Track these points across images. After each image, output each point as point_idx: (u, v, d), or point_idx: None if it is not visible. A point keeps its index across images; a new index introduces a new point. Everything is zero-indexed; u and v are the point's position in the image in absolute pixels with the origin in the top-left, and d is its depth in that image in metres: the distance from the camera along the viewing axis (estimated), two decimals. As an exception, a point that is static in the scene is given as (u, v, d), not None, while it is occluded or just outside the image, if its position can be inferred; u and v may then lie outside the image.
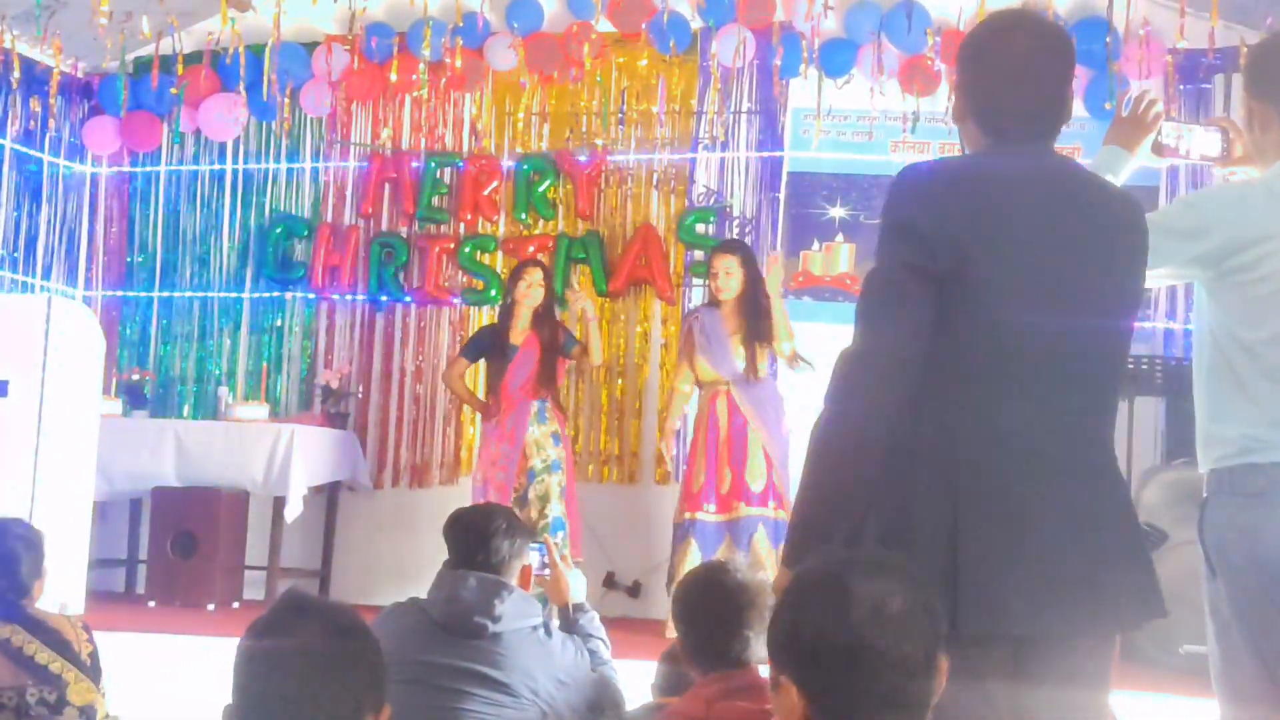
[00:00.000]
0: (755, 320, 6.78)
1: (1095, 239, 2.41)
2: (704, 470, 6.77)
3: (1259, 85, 2.94)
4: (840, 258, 8.01)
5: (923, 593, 1.98)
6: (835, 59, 7.93)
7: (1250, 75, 2.99)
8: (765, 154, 8.16)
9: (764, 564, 6.51)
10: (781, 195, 8.12)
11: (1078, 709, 2.35)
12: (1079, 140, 7.55)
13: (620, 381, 8.23)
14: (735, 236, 7.89)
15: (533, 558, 3.81)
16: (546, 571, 3.93)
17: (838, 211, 8.03)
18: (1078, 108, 7.54)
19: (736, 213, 8.14)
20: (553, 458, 7.03)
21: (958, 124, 2.56)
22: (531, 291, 7.10)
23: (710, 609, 3.03)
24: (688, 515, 6.76)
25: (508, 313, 7.21)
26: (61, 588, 6.43)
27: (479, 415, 7.63)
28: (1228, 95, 7.37)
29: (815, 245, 8.04)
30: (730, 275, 6.83)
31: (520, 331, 7.11)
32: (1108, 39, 7.49)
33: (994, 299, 2.30)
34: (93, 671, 3.71)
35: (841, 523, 2.29)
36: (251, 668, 1.97)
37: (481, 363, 7.51)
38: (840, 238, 8.03)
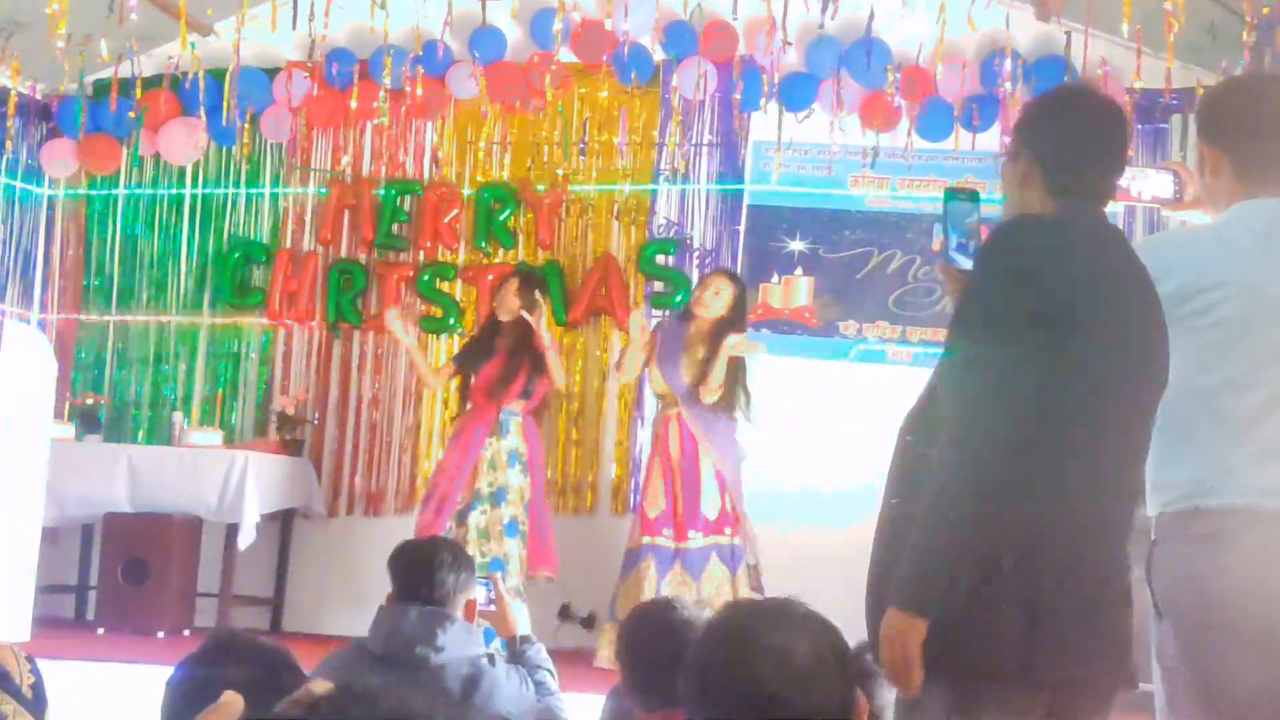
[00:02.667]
0: (717, 347, 6.78)
1: (1154, 302, 2.53)
2: (662, 496, 6.76)
3: (1211, 131, 2.96)
4: (799, 291, 8.03)
5: (831, 637, 1.99)
6: (796, 93, 7.97)
7: (1203, 121, 3.01)
8: (726, 186, 8.18)
9: (723, 592, 6.51)
10: (741, 228, 8.13)
11: None
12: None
13: (578, 411, 8.21)
14: (695, 268, 7.93)
15: (478, 592, 3.79)
16: (491, 605, 3.91)
17: (797, 245, 8.05)
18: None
19: (697, 244, 8.15)
20: (500, 484, 6.94)
21: (1016, 182, 2.62)
22: (506, 299, 7.09)
23: (656, 647, 3.02)
24: (645, 540, 6.74)
25: (491, 324, 7.20)
26: (9, 614, 6.38)
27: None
28: (1184, 135, 7.43)
29: (774, 278, 8.06)
30: (719, 295, 6.84)
31: (503, 336, 7.13)
32: (1066, 77, 7.55)
33: (1096, 354, 2.38)
34: (34, 705, 3.65)
35: (969, 566, 2.30)
36: (178, 701, 1.95)
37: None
38: (799, 271, 8.04)
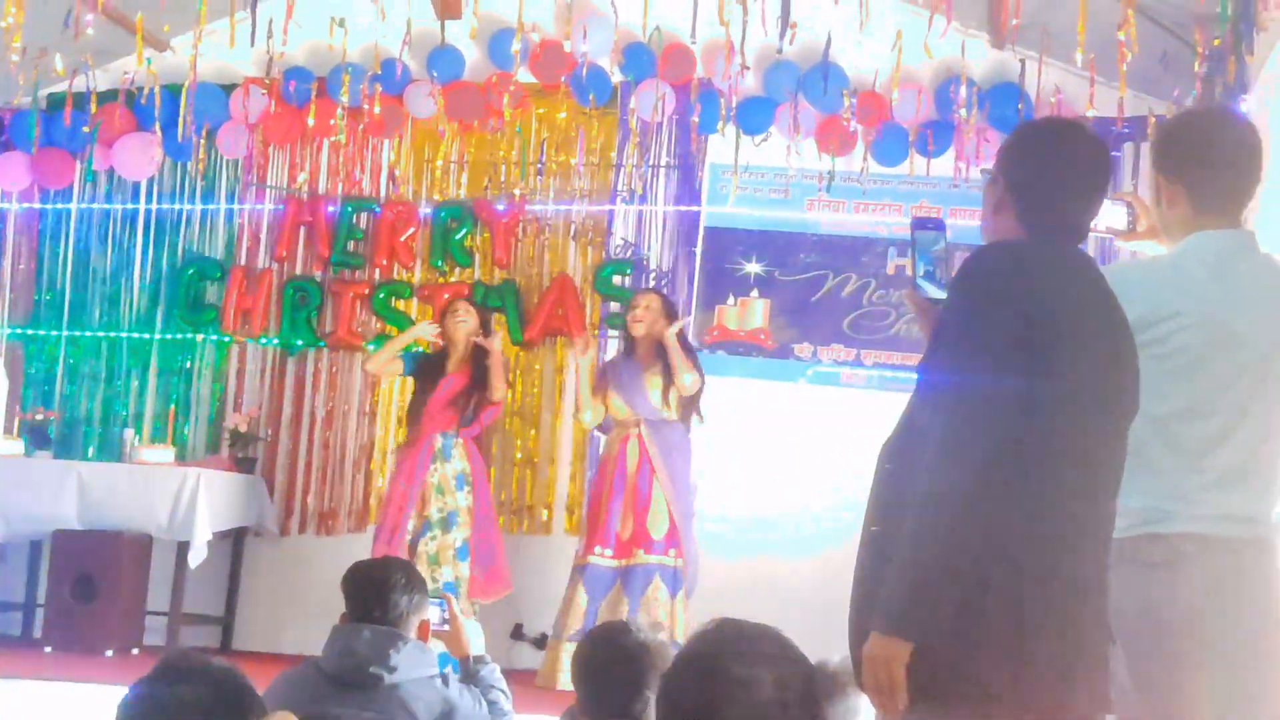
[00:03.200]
0: (665, 367, 6.82)
1: (1125, 329, 2.56)
2: (605, 511, 6.77)
3: (1167, 163, 3.01)
4: (755, 313, 8.06)
5: (799, 669, 1.99)
6: (753, 117, 8.01)
7: (1158, 153, 3.06)
8: (682, 208, 8.21)
9: (659, 615, 6.52)
10: (698, 249, 8.16)
11: None
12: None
13: (533, 431, 8.20)
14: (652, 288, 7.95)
15: (432, 612, 3.78)
16: (445, 626, 3.90)
17: (753, 267, 8.09)
18: (990, 171, 7.65)
19: (653, 265, 8.17)
20: (450, 508, 6.98)
21: (991, 207, 2.65)
22: (460, 321, 7.11)
23: (610, 669, 3.02)
24: (589, 559, 6.77)
25: (439, 356, 7.24)
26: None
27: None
28: (1136, 164, 7.51)
29: (730, 300, 8.09)
30: (648, 310, 6.87)
31: (456, 362, 7.15)
32: (1020, 105, 7.63)
33: (1074, 380, 2.41)
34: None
35: (953, 590, 2.31)
36: (130, 723, 1.94)
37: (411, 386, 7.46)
38: (755, 293, 8.08)
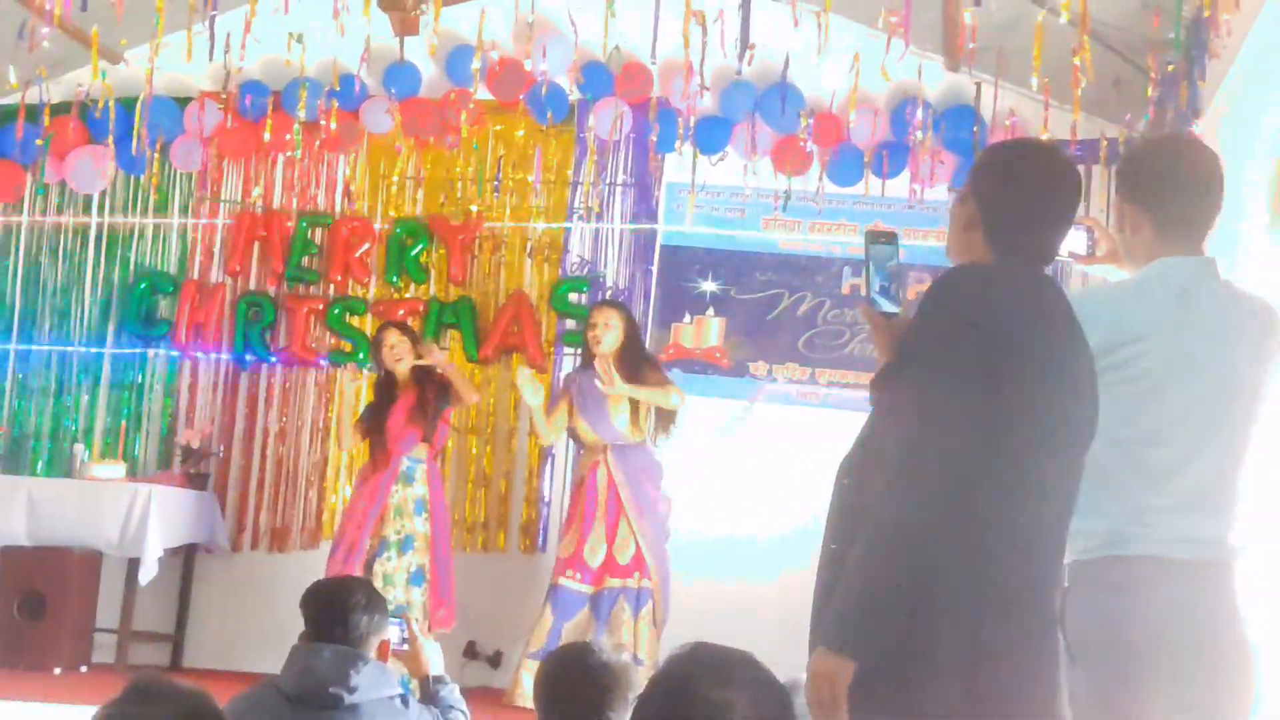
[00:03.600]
0: (633, 376, 6.79)
1: (1086, 353, 2.58)
2: (577, 539, 6.75)
3: (1131, 189, 3.03)
4: (711, 331, 8.08)
5: (774, 694, 2.00)
6: (710, 136, 8.04)
7: (1123, 178, 3.09)
8: (639, 226, 8.22)
9: (622, 635, 6.51)
10: (654, 268, 8.17)
11: None
12: (943, 224, 7.72)
13: (489, 449, 8.18)
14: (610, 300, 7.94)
15: (391, 632, 3.76)
16: (405, 645, 3.88)
17: (709, 285, 8.11)
18: (943, 192, 7.72)
19: (610, 283, 8.17)
20: (408, 531, 6.96)
21: (960, 226, 2.66)
22: (395, 353, 7.11)
23: (573, 690, 3.02)
24: (559, 580, 6.74)
25: (387, 379, 7.21)
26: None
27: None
28: (1088, 186, 7.57)
29: (686, 318, 8.10)
30: (609, 328, 6.85)
31: (402, 386, 7.14)
32: (975, 127, 7.69)
33: (1034, 403, 2.43)
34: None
35: (900, 607, 2.32)
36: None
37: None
38: (711, 311, 8.10)
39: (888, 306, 2.64)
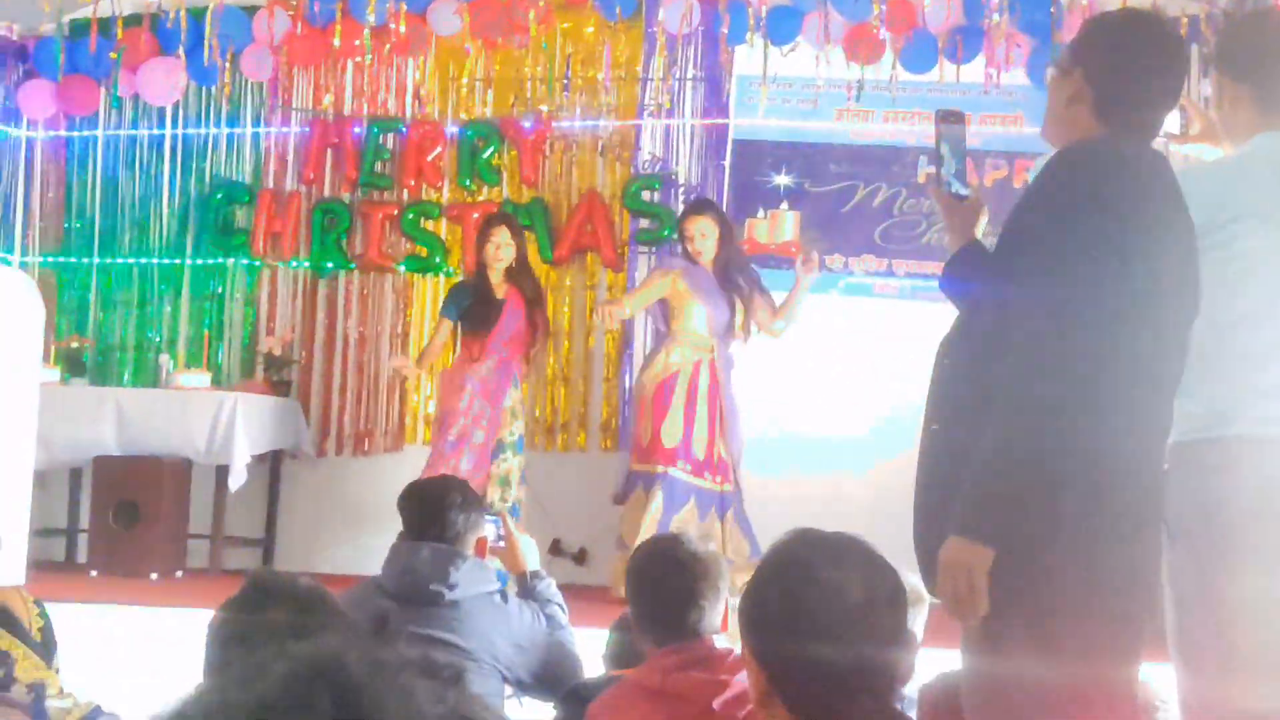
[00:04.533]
0: (732, 282, 6.78)
1: (1192, 232, 2.53)
2: (682, 427, 6.70)
3: (1231, 64, 2.97)
4: (786, 225, 8.03)
5: (888, 579, 2.00)
6: (781, 26, 7.92)
7: (1222, 54, 3.02)
8: (710, 121, 8.15)
9: (715, 532, 6.54)
10: (726, 163, 8.12)
11: None
12: (1020, 109, 7.61)
13: (566, 348, 8.22)
14: (681, 204, 7.89)
15: (488, 530, 3.81)
16: (501, 543, 3.93)
17: (782, 179, 8.04)
18: (1020, 76, 7.59)
19: (682, 180, 8.13)
20: (518, 434, 7.04)
21: (1063, 100, 2.58)
22: (501, 253, 7.05)
23: (664, 581, 3.04)
24: (661, 468, 6.65)
25: (482, 275, 7.12)
26: (4, 558, 6.37)
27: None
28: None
29: (760, 213, 8.05)
30: (705, 237, 6.81)
31: (500, 287, 7.07)
32: (1052, 9, 7.53)
33: (1157, 282, 2.40)
34: (43, 647, 3.67)
35: (1039, 497, 2.31)
36: (222, 647, 1.96)
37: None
38: (785, 205, 8.04)
39: (960, 189, 2.60)
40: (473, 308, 7.09)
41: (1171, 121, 3.10)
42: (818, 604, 1.94)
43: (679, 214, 7.40)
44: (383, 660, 0.66)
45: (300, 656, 0.66)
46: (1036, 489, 2.30)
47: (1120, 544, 2.36)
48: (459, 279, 7.87)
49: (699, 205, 7.17)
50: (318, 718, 0.61)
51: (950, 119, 2.62)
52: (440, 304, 7.63)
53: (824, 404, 7.68)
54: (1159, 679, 2.88)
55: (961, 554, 2.29)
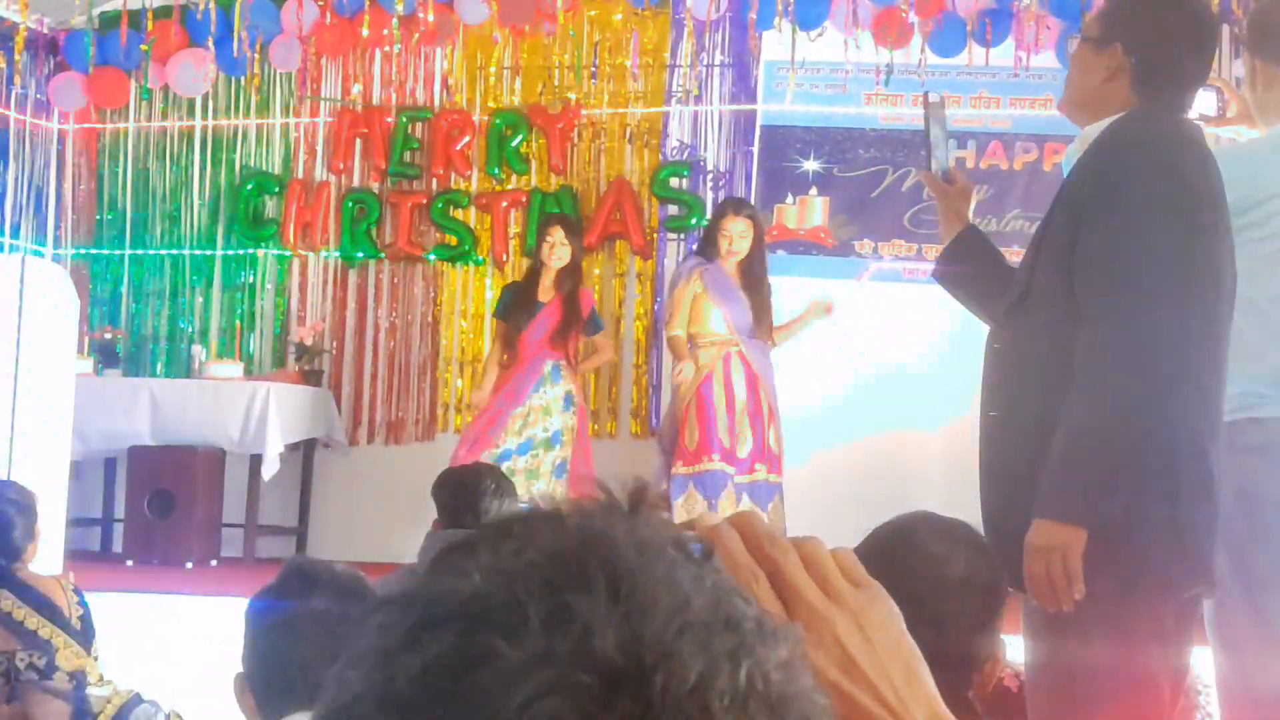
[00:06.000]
0: (752, 285, 6.79)
1: (1227, 209, 2.52)
2: (726, 429, 6.67)
3: (1263, 45, 2.96)
4: (814, 211, 8.01)
5: (988, 565, 2.02)
6: (809, 11, 7.88)
7: (1254, 34, 3.01)
8: (738, 107, 8.15)
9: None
10: (755, 149, 8.10)
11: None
12: (1050, 91, 7.57)
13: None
14: (709, 190, 7.90)
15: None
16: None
17: (811, 164, 8.02)
18: (1050, 59, 7.55)
19: (710, 166, 8.13)
20: (556, 428, 7.03)
21: (1100, 74, 2.56)
22: (556, 252, 7.06)
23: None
24: (709, 464, 6.62)
25: (534, 273, 7.19)
26: (40, 547, 6.43)
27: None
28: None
29: (789, 199, 8.04)
30: (744, 238, 6.75)
31: (546, 289, 7.10)
32: (1081, -8, 7.50)
33: (1219, 257, 2.41)
34: (82, 635, 3.71)
35: (1128, 478, 2.31)
36: (264, 634, 1.98)
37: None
38: (814, 191, 8.02)
39: (944, 168, 2.63)
40: (511, 310, 7.14)
41: (1208, 103, 3.09)
42: (917, 569, 1.96)
43: (715, 208, 7.39)
44: (646, 540, 0.62)
45: (567, 531, 0.61)
46: (1121, 468, 2.30)
47: (1196, 521, 2.36)
48: (510, 280, 7.88)
49: (739, 204, 7.06)
50: (592, 603, 0.57)
51: (937, 104, 2.64)
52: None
53: (849, 389, 7.65)
54: (1200, 663, 2.88)
55: (1054, 536, 2.28)
